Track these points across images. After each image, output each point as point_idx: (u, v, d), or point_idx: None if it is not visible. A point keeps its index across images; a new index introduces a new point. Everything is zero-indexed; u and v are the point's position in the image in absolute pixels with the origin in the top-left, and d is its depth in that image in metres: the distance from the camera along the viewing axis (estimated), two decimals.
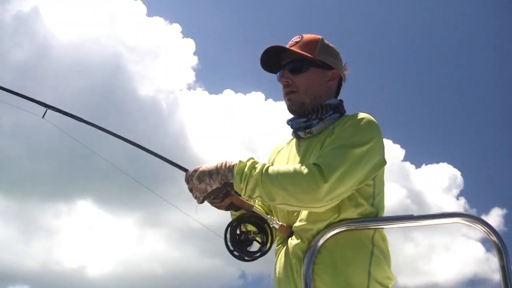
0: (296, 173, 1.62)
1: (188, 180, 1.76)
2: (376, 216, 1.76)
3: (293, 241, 1.75)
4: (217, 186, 1.70)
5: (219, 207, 1.78)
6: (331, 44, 1.96)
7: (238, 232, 1.77)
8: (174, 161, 1.86)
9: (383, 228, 1.77)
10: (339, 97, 1.97)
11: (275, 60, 1.94)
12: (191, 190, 1.75)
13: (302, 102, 1.88)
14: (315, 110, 1.85)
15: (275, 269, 1.83)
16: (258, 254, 1.77)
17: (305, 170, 1.61)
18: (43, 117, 2.11)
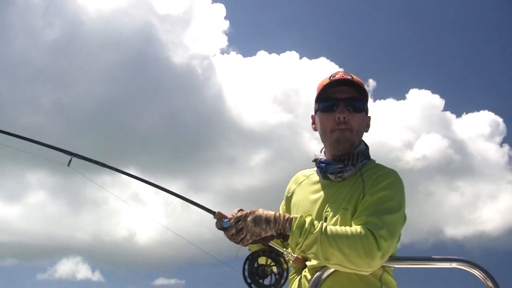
0: (353, 238, 1.67)
1: (239, 220, 1.76)
2: None
3: (306, 274, 1.88)
4: (272, 234, 1.75)
5: (237, 243, 1.81)
6: None
7: (255, 265, 1.86)
8: (202, 204, 1.93)
9: (386, 266, 1.86)
10: None
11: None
12: (240, 229, 1.75)
13: (352, 143, 1.91)
14: (351, 158, 1.92)
15: None
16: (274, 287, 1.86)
17: (361, 235, 1.67)
18: (68, 165, 2.09)
